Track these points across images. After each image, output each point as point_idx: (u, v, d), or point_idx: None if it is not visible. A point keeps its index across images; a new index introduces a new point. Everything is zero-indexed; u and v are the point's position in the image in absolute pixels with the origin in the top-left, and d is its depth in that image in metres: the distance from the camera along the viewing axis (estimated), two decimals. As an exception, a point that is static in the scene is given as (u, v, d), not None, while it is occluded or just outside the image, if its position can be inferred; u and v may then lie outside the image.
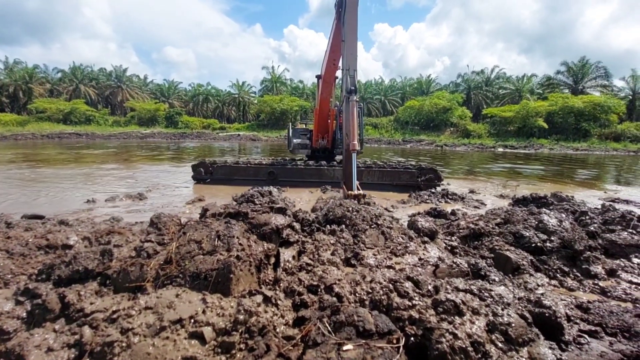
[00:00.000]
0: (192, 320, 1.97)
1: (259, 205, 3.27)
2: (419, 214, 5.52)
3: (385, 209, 6.63)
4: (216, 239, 2.47)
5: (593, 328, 2.67)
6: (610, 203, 7.06)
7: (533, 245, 3.63)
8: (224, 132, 54.67)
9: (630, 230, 4.17)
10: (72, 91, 64.52)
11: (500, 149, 36.90)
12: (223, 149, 28.69)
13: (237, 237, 2.47)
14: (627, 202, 8.37)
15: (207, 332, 1.90)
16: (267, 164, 10.02)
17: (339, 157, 11.69)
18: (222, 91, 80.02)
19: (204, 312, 2.02)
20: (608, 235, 4.02)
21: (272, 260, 2.66)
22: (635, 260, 3.79)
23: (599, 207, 5.47)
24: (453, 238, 4.03)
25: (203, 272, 2.27)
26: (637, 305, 3.06)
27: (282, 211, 3.19)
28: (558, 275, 3.52)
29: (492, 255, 3.62)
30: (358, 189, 4.97)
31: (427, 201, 7.54)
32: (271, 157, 12.08)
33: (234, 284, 2.26)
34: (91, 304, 2.31)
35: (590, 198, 8.74)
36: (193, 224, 2.94)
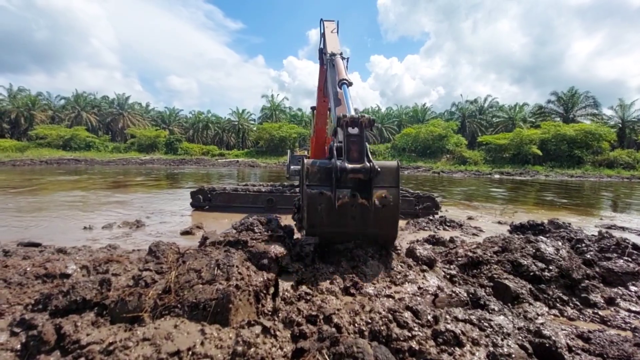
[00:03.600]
0: (190, 353, 1.95)
1: (259, 234, 3.30)
2: (417, 241, 5.52)
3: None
4: (216, 268, 2.48)
5: (594, 359, 2.63)
6: (607, 230, 7.10)
7: (531, 273, 3.64)
8: (222, 159, 55.11)
9: (626, 258, 4.20)
10: (74, 118, 65.56)
11: (497, 176, 37.30)
12: (222, 175, 28.83)
13: (237, 266, 2.49)
14: (623, 229, 8.42)
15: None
16: (266, 192, 10.08)
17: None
18: (222, 118, 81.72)
19: (202, 343, 2.01)
20: (605, 263, 4.04)
21: (272, 290, 2.66)
22: (633, 288, 3.79)
23: (596, 234, 5.51)
24: (452, 266, 4.03)
25: (202, 301, 2.27)
26: (637, 334, 3.03)
27: (281, 240, 3.22)
28: (557, 304, 3.50)
29: (491, 284, 3.61)
30: None
31: (425, 228, 7.56)
32: (269, 183, 12.16)
33: (233, 314, 2.25)
34: (87, 335, 2.29)
35: (587, 225, 8.79)
36: (192, 252, 2.96)
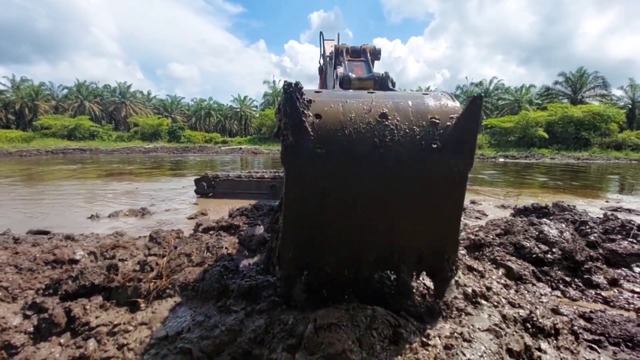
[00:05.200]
0: (180, 337, 1.98)
1: (252, 219, 3.33)
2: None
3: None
4: (205, 251, 2.53)
5: (597, 337, 2.66)
6: (612, 212, 7.06)
7: (534, 255, 3.65)
8: (226, 146, 55.12)
9: (631, 239, 4.18)
10: (77, 108, 65.60)
11: (502, 159, 36.95)
12: (225, 163, 28.91)
13: (226, 248, 2.53)
14: (629, 211, 8.35)
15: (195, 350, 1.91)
16: (270, 178, 10.10)
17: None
18: (224, 105, 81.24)
19: (189, 330, 2.03)
20: (609, 244, 4.03)
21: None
22: (637, 269, 3.79)
23: (601, 216, 5.48)
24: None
25: (191, 282, 2.32)
26: (640, 314, 3.05)
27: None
28: (560, 285, 3.52)
29: (494, 265, 3.63)
30: None
31: (429, 212, 7.55)
32: (273, 170, 12.19)
33: (220, 293, 2.30)
34: (96, 317, 2.36)
35: (593, 207, 8.73)
36: (184, 238, 3.01)
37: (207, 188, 9.83)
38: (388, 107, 1.69)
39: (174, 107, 79.15)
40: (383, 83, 2.49)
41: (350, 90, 2.07)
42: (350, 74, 2.50)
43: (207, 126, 77.94)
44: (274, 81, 76.07)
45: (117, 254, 3.57)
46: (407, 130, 1.64)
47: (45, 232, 5.31)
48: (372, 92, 1.85)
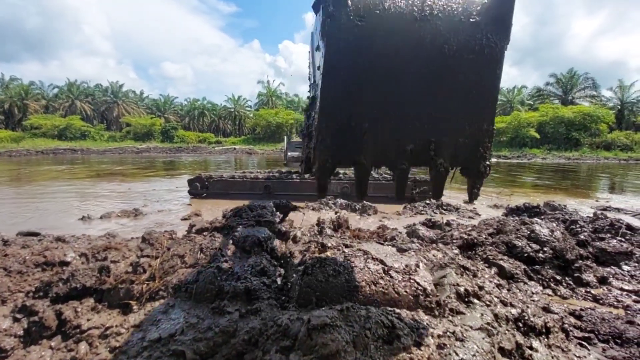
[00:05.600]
0: (173, 340, 1.95)
1: (246, 220, 3.31)
2: (414, 224, 5.58)
3: (381, 219, 6.69)
4: (199, 252, 2.51)
5: (586, 335, 2.71)
6: (602, 211, 7.18)
7: (526, 255, 3.70)
8: (219, 146, 54.82)
9: (619, 238, 4.26)
10: (68, 107, 64.70)
11: (494, 159, 37.34)
12: (219, 163, 28.75)
13: (220, 249, 2.52)
14: (618, 210, 8.50)
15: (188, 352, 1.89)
16: (263, 178, 10.08)
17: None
18: (218, 105, 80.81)
19: (182, 332, 2.01)
20: (598, 243, 4.10)
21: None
22: (625, 267, 3.86)
23: (591, 215, 5.57)
24: (448, 247, 4.08)
25: (185, 284, 2.30)
26: (628, 311, 3.11)
27: (269, 224, 3.23)
28: (551, 283, 3.57)
29: (487, 265, 3.67)
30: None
31: (422, 212, 7.61)
32: (267, 170, 12.15)
33: (214, 294, 2.29)
34: (88, 320, 2.33)
35: (583, 207, 8.87)
36: (177, 239, 2.98)
37: (201, 188, 9.77)
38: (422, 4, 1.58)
39: (167, 106, 78.47)
40: None
41: None
42: None
43: (201, 126, 77.44)
44: (268, 81, 75.97)
45: (109, 256, 3.52)
46: (446, 5, 1.59)
47: (35, 234, 5.22)
48: None
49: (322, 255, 2.46)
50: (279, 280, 2.58)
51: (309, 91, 2.40)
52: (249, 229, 3.05)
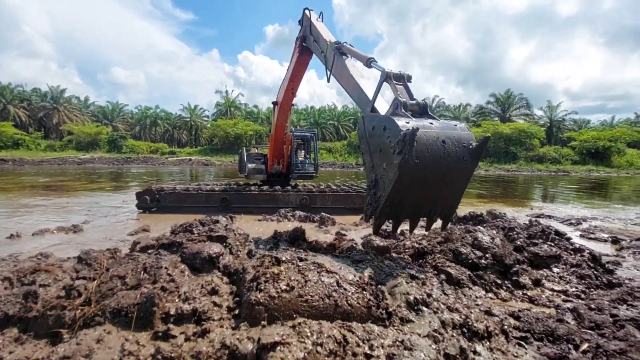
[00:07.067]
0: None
1: (197, 235, 3.16)
2: (370, 235, 5.71)
3: (339, 231, 6.76)
4: (142, 272, 2.34)
5: (524, 334, 2.93)
6: (536, 218, 7.93)
7: (470, 261, 3.94)
8: (174, 157, 52.28)
9: (549, 243, 4.71)
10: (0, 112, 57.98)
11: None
12: (173, 174, 27.34)
13: (166, 268, 2.37)
14: (549, 217, 9.44)
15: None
16: (220, 190, 9.74)
17: (293, 182, 11.79)
18: (173, 114, 77.34)
19: None
20: (532, 248, 4.50)
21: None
22: (555, 269, 4.27)
23: (527, 222, 6.12)
24: (401, 257, 4.23)
25: (124, 307, 2.13)
26: (559, 310, 3.42)
27: (221, 240, 3.10)
28: (493, 287, 3.84)
29: (436, 272, 3.85)
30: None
31: (379, 223, 7.82)
32: (224, 182, 11.78)
33: (158, 318, 2.14)
34: (10, 352, 2.06)
35: (520, 214, 9.73)
36: (119, 259, 2.77)
37: (151, 202, 9.19)
38: (446, 135, 3.14)
39: (115, 114, 73.44)
40: (424, 107, 3.64)
41: (428, 121, 3.29)
42: (405, 100, 3.59)
43: (153, 136, 73.40)
44: (226, 91, 74.41)
45: (38, 279, 3.16)
46: (454, 149, 3.12)
47: (-54, 257, 4.52)
48: (433, 123, 3.24)
49: (276, 270, 2.41)
50: (230, 299, 2.47)
51: (364, 169, 4.11)
52: (199, 245, 2.91)
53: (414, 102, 3.60)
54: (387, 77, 3.85)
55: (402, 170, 2.97)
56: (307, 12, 6.87)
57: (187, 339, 1.88)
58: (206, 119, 75.89)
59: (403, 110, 3.46)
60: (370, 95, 4.10)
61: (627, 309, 3.29)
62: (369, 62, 4.49)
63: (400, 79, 3.88)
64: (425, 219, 3.60)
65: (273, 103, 10.71)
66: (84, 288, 2.66)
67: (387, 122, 3.28)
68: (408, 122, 3.12)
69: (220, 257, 2.79)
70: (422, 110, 3.59)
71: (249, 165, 11.64)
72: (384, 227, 7.16)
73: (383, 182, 3.30)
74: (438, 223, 3.63)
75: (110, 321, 2.11)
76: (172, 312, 2.11)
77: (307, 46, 7.07)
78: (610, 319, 3.02)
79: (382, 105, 3.92)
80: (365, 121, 3.73)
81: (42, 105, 63.70)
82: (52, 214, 8.83)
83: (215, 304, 2.40)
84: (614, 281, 4.10)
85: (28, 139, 52.05)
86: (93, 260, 2.83)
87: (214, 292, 2.55)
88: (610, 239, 6.77)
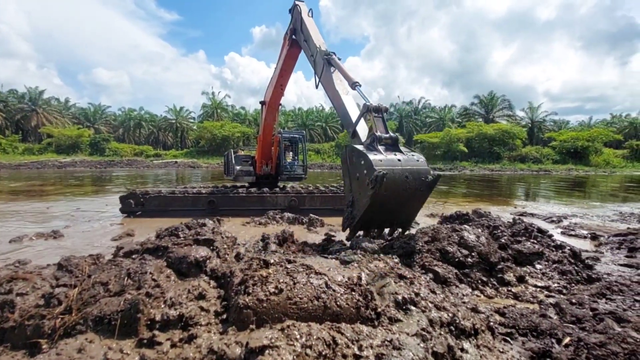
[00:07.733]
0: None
1: (183, 239, 3.10)
2: (359, 236, 5.73)
3: (328, 232, 6.76)
4: (126, 278, 2.28)
5: (509, 330, 2.99)
6: (519, 216, 8.12)
7: (456, 259, 4.00)
8: (159, 160, 51.30)
9: (532, 240, 4.84)
10: (-28, 115, 55.76)
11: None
12: (158, 178, 26.82)
13: (151, 273, 2.31)
14: (532, 215, 9.70)
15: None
16: (207, 193, 9.61)
17: (281, 184, 11.73)
18: (158, 116, 75.92)
19: None
20: (516, 245, 4.60)
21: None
22: (538, 266, 4.38)
23: (510, 220, 6.26)
24: (388, 256, 4.25)
25: (107, 315, 2.07)
26: (542, 306, 3.50)
27: (208, 243, 3.05)
28: (479, 285, 3.91)
29: (423, 271, 3.89)
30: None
31: (367, 223, 7.86)
32: (212, 184, 11.62)
33: (143, 324, 2.09)
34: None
35: (504, 213, 9.95)
36: (101, 265, 2.69)
37: (135, 206, 8.98)
38: (408, 171, 4.03)
39: (97, 116, 71.60)
40: (395, 140, 4.40)
41: (397, 157, 4.12)
42: (381, 134, 4.32)
43: (138, 138, 71.91)
44: (213, 92, 73.53)
45: (15, 288, 3.03)
46: (414, 182, 4.02)
47: None
48: (400, 160, 4.09)
49: (264, 272, 2.39)
50: (218, 303, 2.43)
51: (344, 189, 5.15)
52: (186, 249, 2.85)
53: (387, 135, 4.35)
54: (367, 109, 4.54)
55: (372, 200, 3.94)
56: (298, 5, 6.88)
57: (173, 345, 1.84)
58: (192, 120, 74.85)
59: (377, 145, 4.22)
60: (354, 118, 4.82)
61: (606, 303, 3.40)
62: (354, 86, 5.00)
63: (378, 112, 4.55)
64: (388, 229, 4.97)
65: (261, 102, 10.56)
66: (64, 296, 2.57)
67: (364, 158, 4.04)
68: (381, 161, 3.96)
69: (208, 261, 2.74)
70: (393, 143, 4.38)
71: (237, 168, 11.51)
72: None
73: (358, 204, 4.23)
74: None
75: (93, 329, 2.05)
76: (158, 318, 2.06)
77: (297, 40, 7.07)
78: (590, 313, 3.11)
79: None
80: (347, 150, 4.48)
81: (20, 107, 61.55)
82: (30, 219, 8.52)
83: (202, 308, 2.36)
84: (593, 276, 4.23)
85: (4, 142, 50.24)
86: (74, 266, 2.74)
87: (201, 296, 2.51)
88: (589, 236, 7.00)
